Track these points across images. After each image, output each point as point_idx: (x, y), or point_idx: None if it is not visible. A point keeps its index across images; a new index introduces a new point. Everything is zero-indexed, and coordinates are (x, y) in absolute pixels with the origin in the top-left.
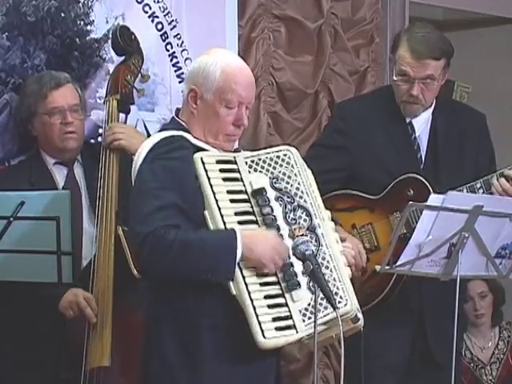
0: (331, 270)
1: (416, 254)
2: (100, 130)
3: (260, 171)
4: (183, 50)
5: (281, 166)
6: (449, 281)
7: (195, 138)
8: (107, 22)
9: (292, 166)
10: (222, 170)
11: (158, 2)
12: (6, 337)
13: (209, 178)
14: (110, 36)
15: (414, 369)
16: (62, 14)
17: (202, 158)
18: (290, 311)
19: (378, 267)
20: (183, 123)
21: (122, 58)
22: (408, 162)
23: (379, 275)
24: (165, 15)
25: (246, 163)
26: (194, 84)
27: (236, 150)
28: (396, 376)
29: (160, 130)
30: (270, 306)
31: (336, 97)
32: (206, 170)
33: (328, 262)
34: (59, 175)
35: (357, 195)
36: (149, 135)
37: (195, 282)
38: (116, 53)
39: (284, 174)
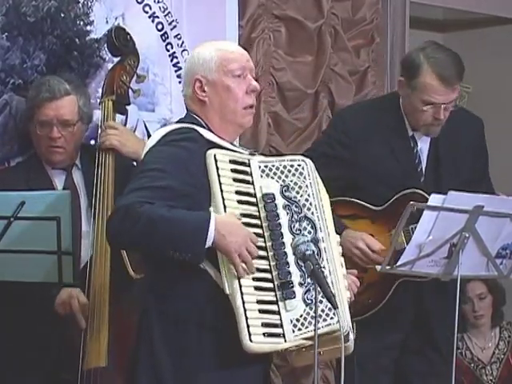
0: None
1: (416, 254)
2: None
3: (272, 177)
4: (183, 51)
5: (293, 175)
6: (449, 281)
7: (210, 131)
8: (107, 22)
9: (304, 177)
10: (233, 170)
11: (159, 2)
12: (6, 337)
13: (219, 176)
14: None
15: (409, 368)
16: (62, 15)
17: (215, 155)
18: (281, 319)
19: (378, 267)
20: (198, 118)
21: (118, 58)
22: (409, 175)
23: (377, 288)
24: (165, 15)
25: (260, 167)
26: (195, 75)
27: (251, 154)
28: (389, 376)
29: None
30: (261, 311)
31: (336, 97)
32: (217, 168)
33: (326, 276)
34: (58, 180)
35: (360, 204)
36: (149, 136)
37: (187, 277)
38: (112, 54)
39: (295, 183)
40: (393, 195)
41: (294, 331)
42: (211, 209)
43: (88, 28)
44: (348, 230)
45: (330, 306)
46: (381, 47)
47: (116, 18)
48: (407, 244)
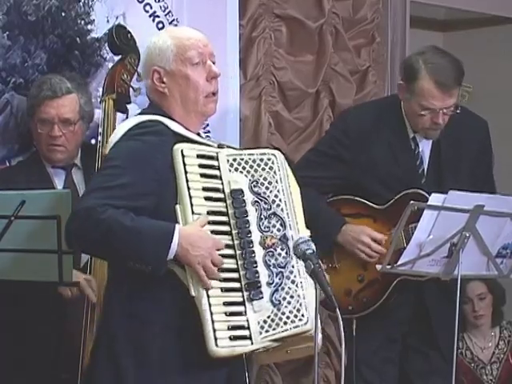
0: (297, 285)
1: (417, 254)
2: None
3: (241, 172)
4: None
5: (263, 169)
6: (450, 281)
7: (175, 121)
8: (108, 21)
9: (274, 172)
10: (201, 166)
11: (159, 1)
12: (6, 337)
13: (186, 173)
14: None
15: (410, 366)
16: (63, 14)
17: (182, 151)
18: (248, 321)
19: (378, 267)
20: (164, 111)
21: (119, 57)
22: (410, 176)
23: (376, 285)
24: (165, 14)
25: (228, 161)
26: (152, 66)
27: (220, 146)
28: (396, 368)
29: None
30: (227, 314)
31: (337, 96)
32: (184, 164)
33: (295, 276)
34: (58, 179)
35: (363, 203)
36: None
37: (151, 277)
38: (112, 52)
39: (265, 178)
40: (393, 196)
41: (261, 333)
42: (177, 207)
43: (89, 27)
44: (348, 225)
45: (298, 307)
46: (381, 46)
47: (117, 17)
48: (407, 243)
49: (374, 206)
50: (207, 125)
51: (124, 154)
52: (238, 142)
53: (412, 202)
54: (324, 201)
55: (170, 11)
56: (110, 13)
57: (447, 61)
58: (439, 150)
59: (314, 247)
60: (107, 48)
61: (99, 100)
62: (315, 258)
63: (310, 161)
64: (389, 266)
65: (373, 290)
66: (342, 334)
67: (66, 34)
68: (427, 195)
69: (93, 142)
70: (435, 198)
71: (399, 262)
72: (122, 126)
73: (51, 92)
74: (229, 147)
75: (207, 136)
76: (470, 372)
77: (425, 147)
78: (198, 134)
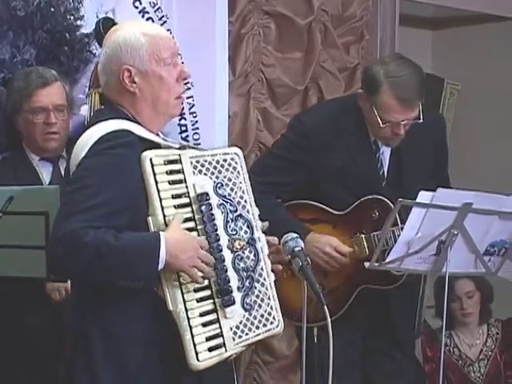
0: (266, 288)
1: (405, 251)
2: None
3: (205, 174)
4: None
5: (227, 170)
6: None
7: (141, 125)
8: (97, 17)
9: (238, 172)
10: (168, 172)
11: None
12: (5, 334)
13: (156, 182)
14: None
15: (374, 367)
16: (52, 9)
17: (151, 159)
18: (220, 328)
19: (367, 264)
20: (126, 111)
21: None
22: (370, 179)
23: (338, 292)
24: (155, 11)
25: (191, 163)
26: (122, 64)
27: (182, 147)
28: (358, 370)
29: (96, 118)
30: (204, 325)
31: (326, 93)
32: (154, 174)
33: (264, 279)
34: (45, 172)
35: (322, 208)
36: None
37: (124, 290)
38: (99, 44)
39: (229, 179)
40: (354, 199)
41: (234, 339)
42: (149, 219)
43: (78, 23)
44: (313, 235)
45: (269, 310)
46: (370, 44)
47: (106, 13)
48: (369, 251)
49: (333, 211)
50: (196, 121)
51: (96, 171)
52: (226, 139)
53: (400, 199)
54: (284, 208)
55: (159, 7)
56: (100, 8)
57: (409, 73)
58: (399, 151)
59: (302, 244)
60: (96, 44)
61: (86, 94)
62: (303, 255)
63: (268, 165)
64: (377, 264)
65: (334, 298)
66: (330, 332)
67: (55, 29)
68: (387, 200)
69: None
70: (423, 196)
71: (387, 260)
72: (88, 138)
73: (43, 79)
74: (190, 148)
75: (195, 133)
76: (458, 369)
77: (385, 149)
78: (157, 135)
